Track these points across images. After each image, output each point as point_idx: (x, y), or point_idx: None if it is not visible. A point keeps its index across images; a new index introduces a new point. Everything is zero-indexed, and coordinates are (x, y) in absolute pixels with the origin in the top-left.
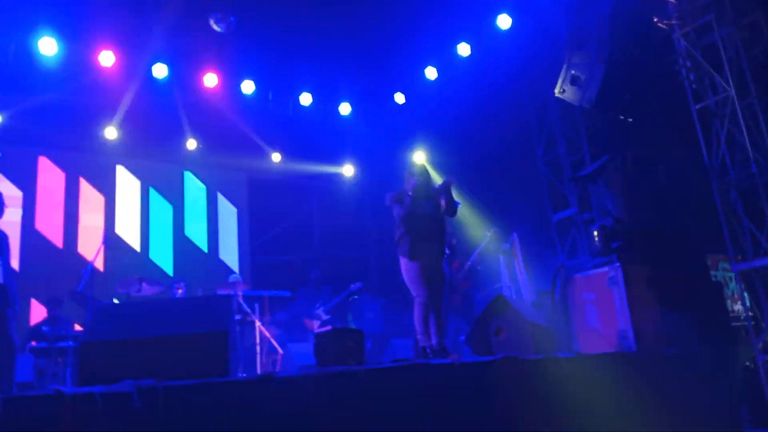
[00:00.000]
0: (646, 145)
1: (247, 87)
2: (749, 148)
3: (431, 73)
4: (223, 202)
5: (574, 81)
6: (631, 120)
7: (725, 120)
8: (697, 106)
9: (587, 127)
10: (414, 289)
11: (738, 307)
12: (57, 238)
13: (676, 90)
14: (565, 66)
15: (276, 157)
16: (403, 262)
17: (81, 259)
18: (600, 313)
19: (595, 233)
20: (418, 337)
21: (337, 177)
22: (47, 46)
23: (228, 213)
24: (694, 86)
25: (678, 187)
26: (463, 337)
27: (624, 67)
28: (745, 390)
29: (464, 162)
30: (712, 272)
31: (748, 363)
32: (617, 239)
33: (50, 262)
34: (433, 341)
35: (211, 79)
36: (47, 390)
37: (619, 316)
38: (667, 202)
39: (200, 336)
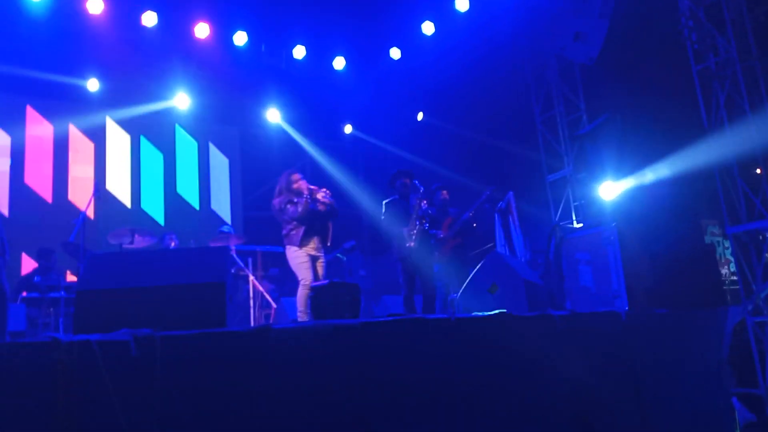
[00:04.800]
0: (645, 105)
1: (240, 38)
2: (748, 111)
3: (428, 28)
4: (215, 154)
5: (576, 37)
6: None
7: (726, 82)
8: (698, 67)
9: (585, 87)
10: (300, 273)
11: (725, 271)
12: (47, 189)
13: (678, 50)
14: (567, 21)
15: (273, 114)
16: (293, 250)
17: (72, 210)
18: (594, 273)
19: (590, 193)
20: (299, 315)
21: (329, 134)
22: None
23: (220, 166)
24: (695, 47)
25: (674, 150)
26: (455, 295)
27: (628, 24)
28: (729, 350)
29: (461, 119)
30: None
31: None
32: (612, 200)
33: (40, 213)
34: None
35: (202, 30)
36: (42, 337)
37: (612, 275)
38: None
39: (197, 287)
